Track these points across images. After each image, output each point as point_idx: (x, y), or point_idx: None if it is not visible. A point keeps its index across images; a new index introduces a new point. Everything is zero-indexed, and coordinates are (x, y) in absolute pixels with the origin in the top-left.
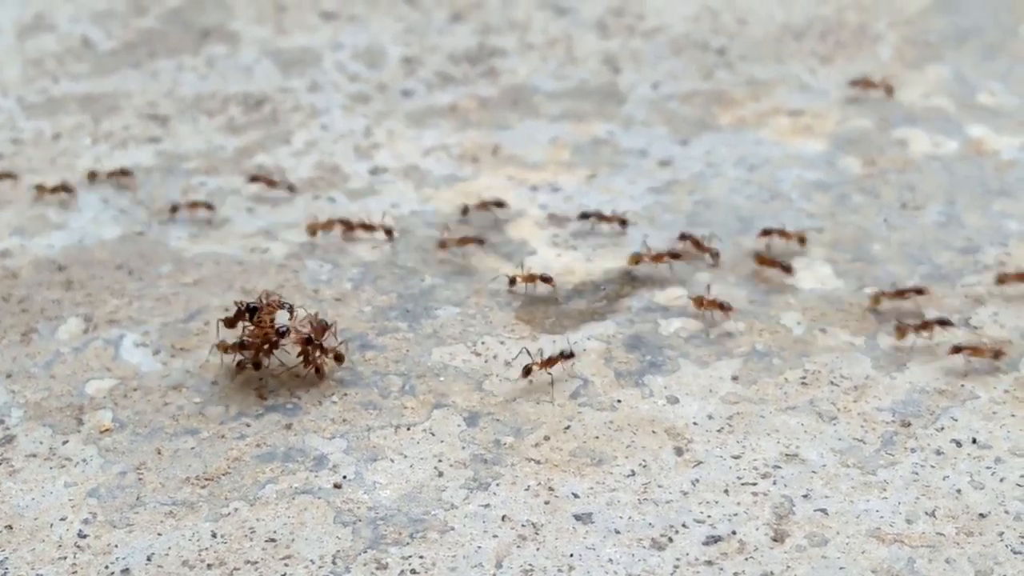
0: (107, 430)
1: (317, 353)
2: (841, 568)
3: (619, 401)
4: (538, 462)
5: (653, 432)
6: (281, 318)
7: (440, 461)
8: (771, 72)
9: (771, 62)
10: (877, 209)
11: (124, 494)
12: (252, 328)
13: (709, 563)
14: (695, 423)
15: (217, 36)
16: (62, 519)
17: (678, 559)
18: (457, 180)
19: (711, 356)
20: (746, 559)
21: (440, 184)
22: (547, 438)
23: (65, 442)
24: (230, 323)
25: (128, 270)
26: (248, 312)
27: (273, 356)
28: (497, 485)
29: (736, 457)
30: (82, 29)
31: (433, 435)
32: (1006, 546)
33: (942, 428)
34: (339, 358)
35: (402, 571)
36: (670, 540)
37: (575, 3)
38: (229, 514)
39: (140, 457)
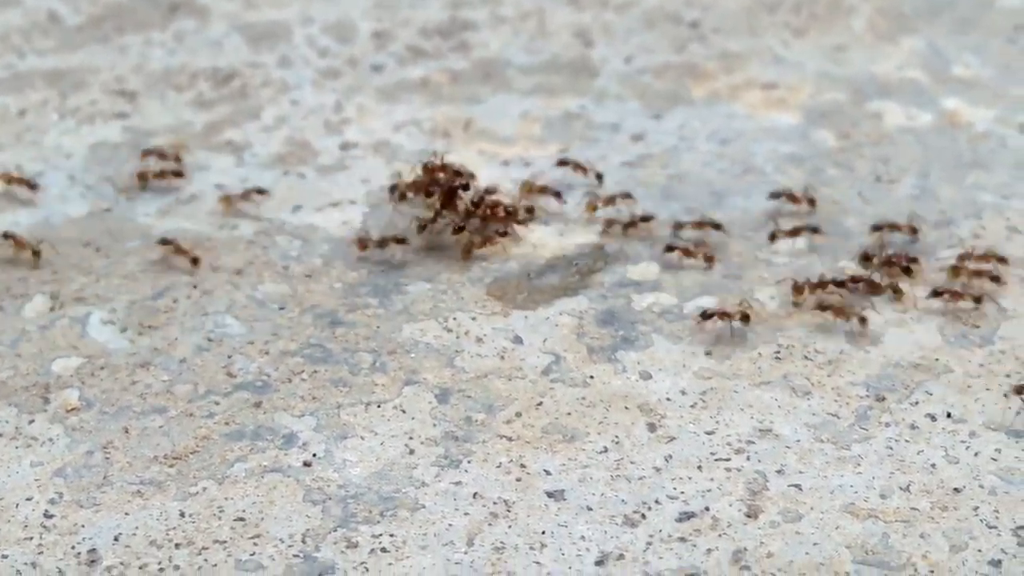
0: (74, 409)
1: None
2: (815, 544)
3: (591, 377)
4: (510, 439)
5: (626, 408)
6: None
7: (411, 438)
8: (744, 45)
9: (744, 35)
10: (851, 183)
11: (91, 474)
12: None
13: (682, 540)
14: (668, 399)
15: (186, 10)
16: (28, 499)
17: (651, 536)
18: (429, 155)
19: (684, 331)
20: (719, 535)
21: (411, 159)
22: (519, 415)
23: (31, 421)
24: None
25: (95, 247)
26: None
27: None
28: (468, 462)
29: (709, 433)
30: (48, 4)
31: (404, 412)
32: (981, 520)
33: (917, 402)
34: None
35: (372, 549)
36: (643, 517)
37: None
38: (197, 493)
39: (107, 436)
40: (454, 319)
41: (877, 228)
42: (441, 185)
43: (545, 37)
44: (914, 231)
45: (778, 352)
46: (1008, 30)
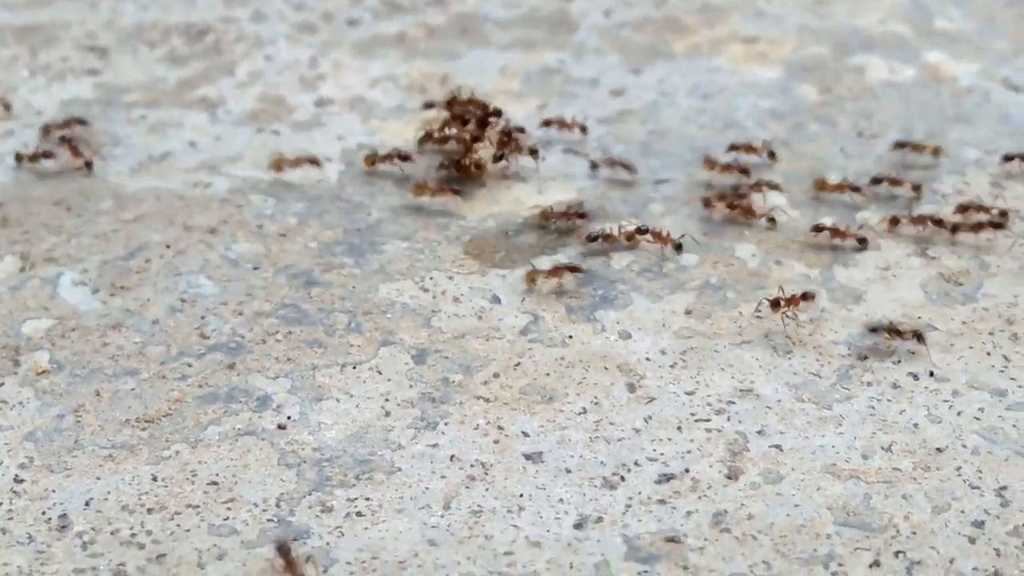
0: (44, 372)
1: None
2: (796, 505)
3: (570, 337)
4: (487, 400)
5: (605, 368)
6: None
7: (387, 400)
8: None
9: None
10: (833, 138)
11: (62, 437)
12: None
13: (662, 502)
14: (648, 359)
15: None
16: None
17: (630, 498)
18: (405, 111)
19: (664, 290)
20: (699, 497)
21: (388, 116)
22: (497, 375)
23: (1, 384)
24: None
25: (66, 206)
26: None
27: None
28: (445, 424)
29: (690, 393)
30: None
31: (380, 373)
32: (963, 481)
33: (899, 361)
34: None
35: (348, 513)
36: (622, 479)
37: None
38: (170, 457)
39: (78, 399)
40: (431, 278)
41: (733, 148)
42: (474, 114)
43: None
44: (772, 155)
45: (759, 311)
46: None
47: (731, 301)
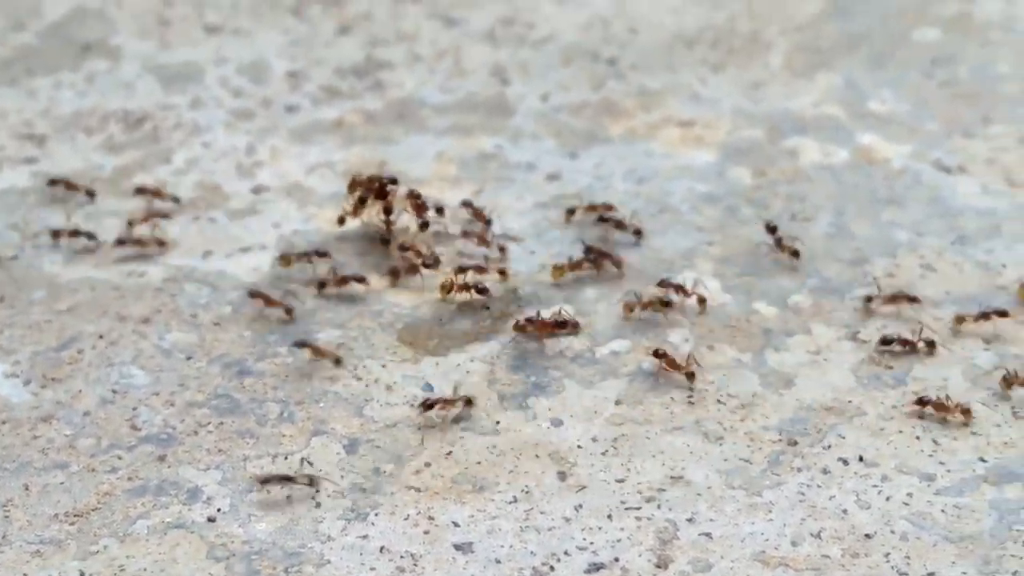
0: None
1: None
2: None
3: (503, 424)
4: (418, 490)
5: (536, 456)
6: None
7: (317, 491)
8: (662, 81)
9: (662, 71)
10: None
11: None
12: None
13: None
14: (579, 446)
15: (98, 51)
16: None
17: None
18: (342, 198)
19: (596, 376)
20: None
21: (324, 203)
22: (428, 465)
23: None
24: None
25: None
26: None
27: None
28: (376, 515)
29: (620, 481)
30: None
31: (311, 464)
32: (892, 567)
33: (829, 446)
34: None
35: None
36: (552, 569)
37: (465, 13)
38: (98, 552)
39: (7, 493)
40: (364, 366)
41: (602, 219)
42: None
43: (461, 75)
44: (638, 232)
45: (691, 396)
46: (924, 64)
47: (663, 387)
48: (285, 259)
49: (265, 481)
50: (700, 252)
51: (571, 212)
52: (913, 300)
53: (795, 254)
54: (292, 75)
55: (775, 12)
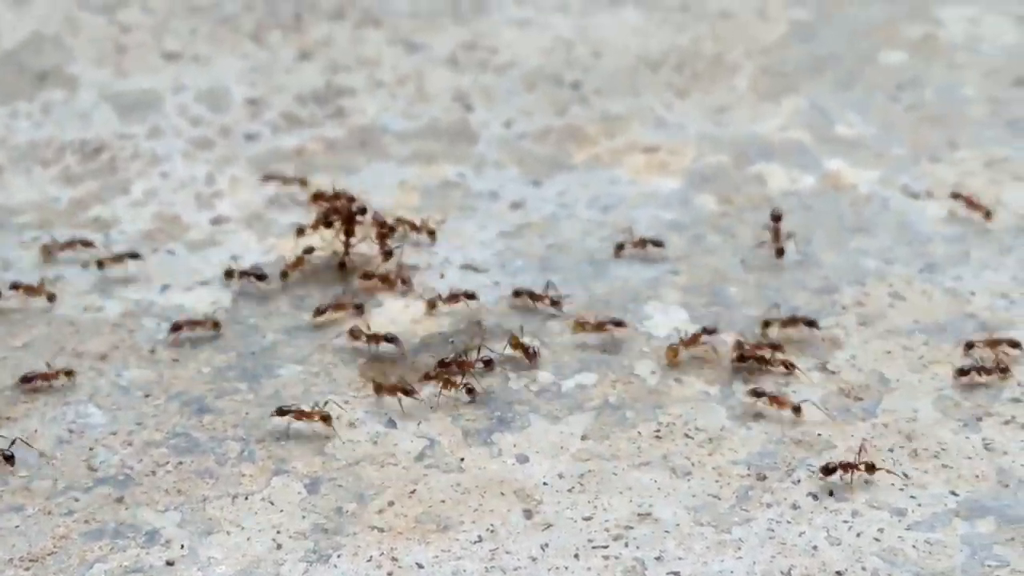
0: None
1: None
2: None
3: (467, 461)
4: (381, 530)
5: (502, 494)
6: None
7: (279, 532)
8: (626, 106)
9: (626, 95)
10: (733, 250)
11: None
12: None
13: None
14: (545, 483)
15: (54, 80)
16: None
17: None
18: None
19: (562, 411)
20: None
21: (284, 233)
22: (391, 503)
23: None
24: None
25: None
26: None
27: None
28: (338, 556)
29: (587, 519)
30: None
31: (272, 504)
32: None
33: (798, 481)
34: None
35: None
36: None
37: (427, 38)
38: None
39: None
40: (326, 403)
41: (517, 294)
42: (339, 212)
43: (424, 101)
44: (555, 303)
45: (658, 431)
46: (890, 87)
47: (630, 421)
48: (228, 273)
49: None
50: (666, 282)
51: (620, 247)
52: (1015, 345)
53: (780, 252)
54: (252, 102)
55: (740, 34)
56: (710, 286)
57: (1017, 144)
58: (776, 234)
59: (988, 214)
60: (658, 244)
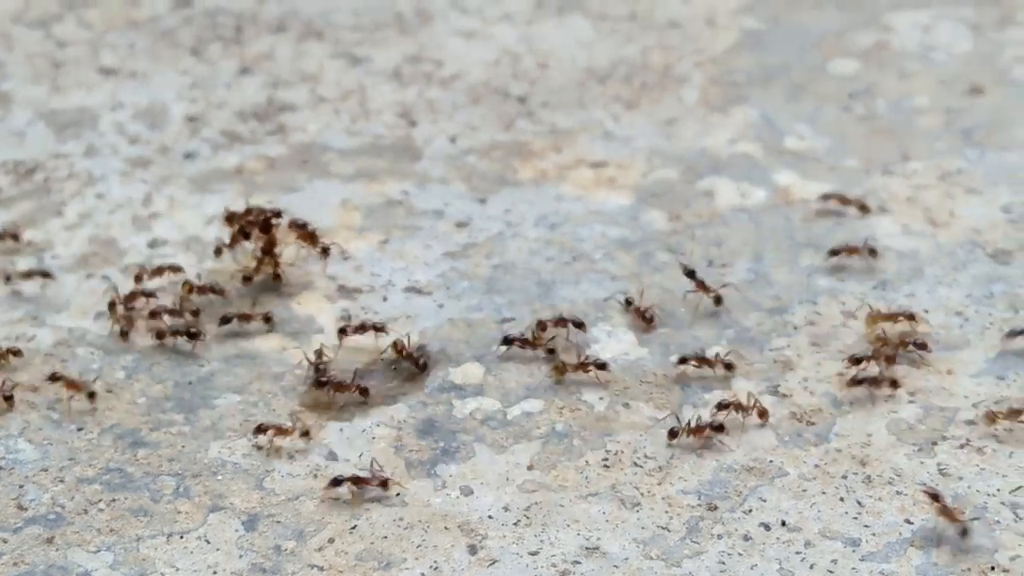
0: None
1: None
2: None
3: (410, 495)
4: (321, 568)
5: (446, 528)
6: None
7: (215, 573)
8: (573, 120)
9: (574, 108)
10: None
11: None
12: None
13: None
14: (490, 516)
15: None
16: None
17: None
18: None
19: (508, 439)
20: None
21: (224, 256)
22: (332, 540)
23: None
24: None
25: None
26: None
27: None
28: None
29: (533, 554)
30: None
31: (208, 543)
32: None
33: (750, 510)
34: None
35: None
36: None
37: (370, 51)
38: None
39: None
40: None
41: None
42: (254, 223)
43: (367, 117)
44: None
45: (606, 459)
46: (842, 97)
47: (577, 450)
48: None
49: None
50: (614, 303)
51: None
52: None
53: (718, 300)
54: (191, 119)
55: (689, 44)
56: (659, 306)
57: (971, 155)
58: (702, 286)
59: (863, 207)
60: (579, 325)
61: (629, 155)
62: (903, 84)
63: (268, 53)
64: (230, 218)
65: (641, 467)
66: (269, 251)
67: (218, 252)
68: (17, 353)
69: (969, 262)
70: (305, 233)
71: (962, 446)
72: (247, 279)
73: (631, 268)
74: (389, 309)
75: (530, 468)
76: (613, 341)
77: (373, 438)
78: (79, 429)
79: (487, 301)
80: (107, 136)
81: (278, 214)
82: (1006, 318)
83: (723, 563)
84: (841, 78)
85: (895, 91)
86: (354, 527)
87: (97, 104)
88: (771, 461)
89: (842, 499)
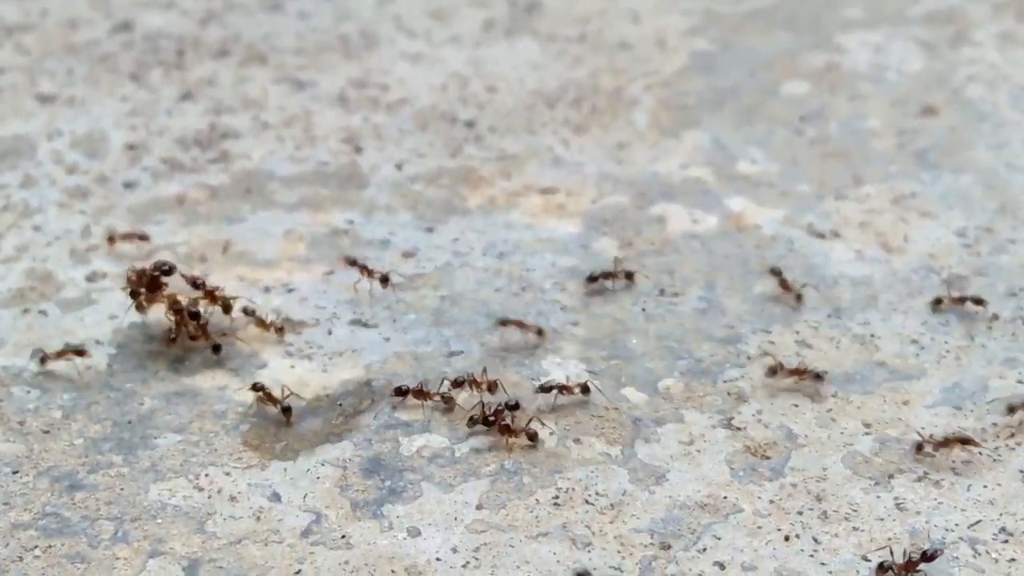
0: None
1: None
2: None
3: (355, 537)
4: None
5: (392, 572)
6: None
7: None
8: (522, 145)
9: (523, 133)
10: (634, 298)
11: None
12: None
13: None
14: (438, 558)
15: None
16: None
17: None
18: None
19: (456, 477)
20: None
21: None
22: None
23: None
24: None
25: None
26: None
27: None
28: None
29: None
30: None
31: None
32: None
33: (704, 549)
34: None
35: None
36: None
37: (314, 75)
38: None
39: None
40: (206, 475)
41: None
42: (140, 282)
43: (311, 143)
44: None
45: (557, 497)
46: (793, 120)
47: (527, 487)
48: (42, 359)
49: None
50: (564, 334)
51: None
52: None
53: (799, 298)
54: (131, 147)
55: (639, 67)
56: (610, 338)
57: (925, 178)
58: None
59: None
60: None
61: (579, 181)
62: (855, 106)
63: (210, 78)
64: (128, 283)
65: (593, 505)
66: (180, 316)
67: (139, 307)
68: None
69: (924, 288)
70: (209, 292)
71: (919, 479)
72: (172, 340)
73: (581, 299)
74: (334, 343)
75: (479, 507)
76: (563, 373)
77: (318, 478)
78: (15, 472)
79: (434, 334)
80: (44, 166)
81: (167, 270)
82: (962, 346)
83: None
84: (792, 100)
85: (847, 113)
86: (298, 572)
87: (34, 132)
88: (725, 497)
89: (798, 536)
